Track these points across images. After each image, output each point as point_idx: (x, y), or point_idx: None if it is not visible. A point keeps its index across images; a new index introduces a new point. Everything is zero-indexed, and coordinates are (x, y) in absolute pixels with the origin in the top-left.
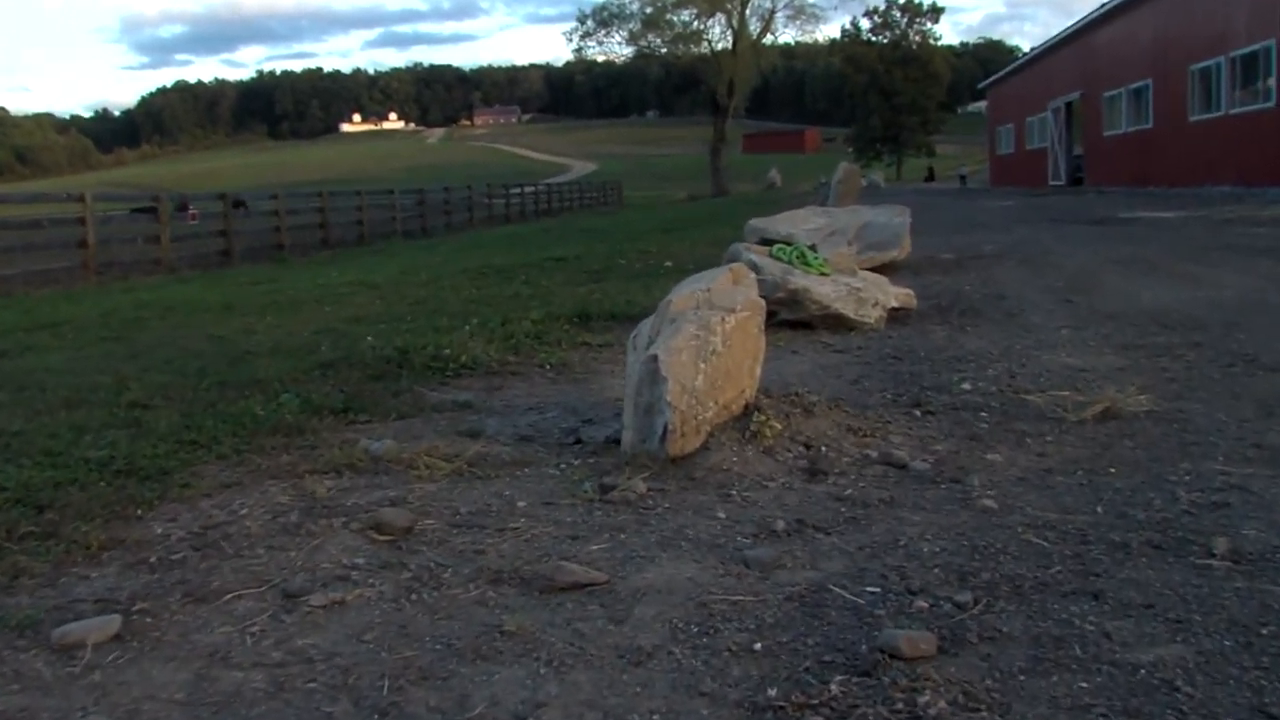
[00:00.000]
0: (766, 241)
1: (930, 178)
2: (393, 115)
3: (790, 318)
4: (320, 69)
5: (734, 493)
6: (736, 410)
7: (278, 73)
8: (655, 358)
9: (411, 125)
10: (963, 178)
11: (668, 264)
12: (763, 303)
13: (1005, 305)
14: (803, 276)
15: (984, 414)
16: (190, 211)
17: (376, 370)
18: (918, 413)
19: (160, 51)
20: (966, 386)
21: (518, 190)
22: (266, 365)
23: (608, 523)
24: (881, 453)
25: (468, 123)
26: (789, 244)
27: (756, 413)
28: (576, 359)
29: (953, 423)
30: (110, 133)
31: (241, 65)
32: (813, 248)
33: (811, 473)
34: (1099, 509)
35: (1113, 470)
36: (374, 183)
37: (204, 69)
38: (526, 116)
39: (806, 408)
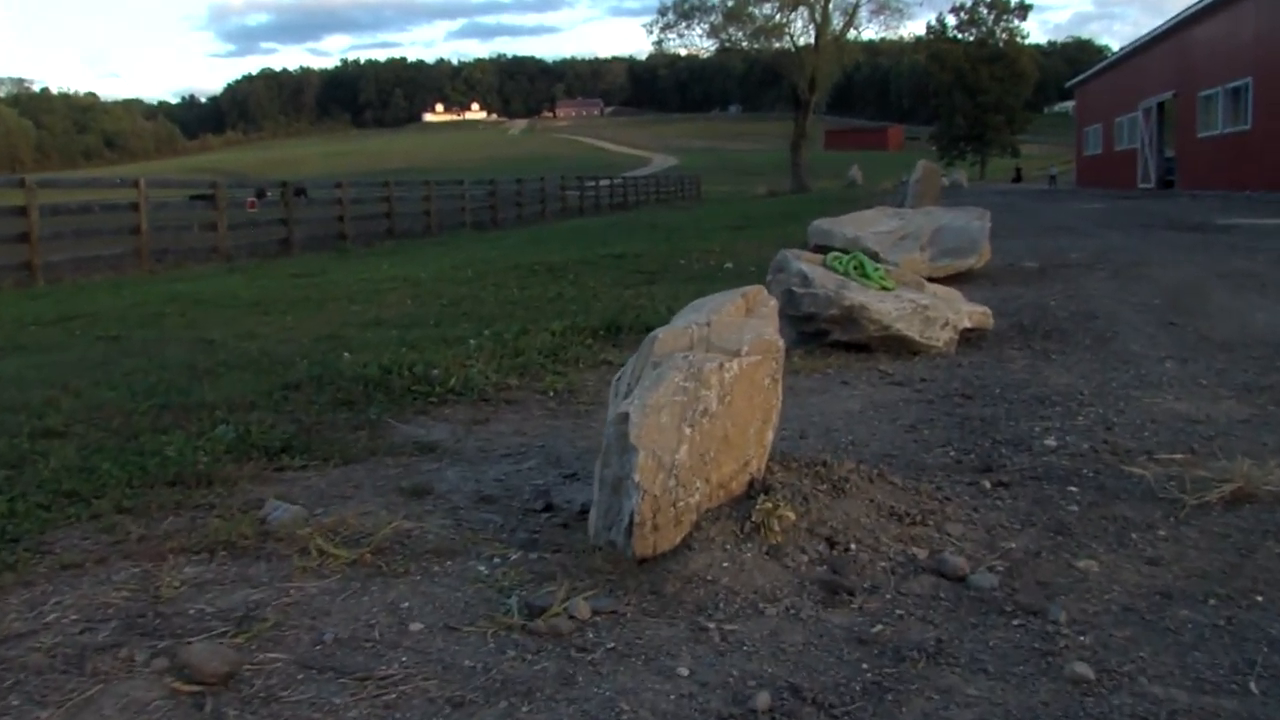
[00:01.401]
0: (825, 248)
1: (1018, 178)
2: (475, 106)
3: (844, 339)
4: (404, 59)
5: (712, 624)
6: (737, 490)
7: (362, 62)
8: (625, 417)
9: (494, 116)
10: (1053, 178)
11: (728, 265)
12: (779, 343)
13: (1096, 327)
14: (860, 291)
15: (1073, 488)
16: (249, 200)
17: (347, 394)
18: (987, 483)
19: (246, 40)
20: (1051, 442)
21: (592, 183)
22: (229, 383)
23: (516, 676)
24: (932, 554)
25: (550, 114)
26: (845, 252)
27: (764, 495)
28: (590, 383)
29: (1032, 501)
30: (196, 119)
31: (326, 54)
32: (875, 256)
33: (831, 589)
34: (1253, 685)
35: (1260, 598)
36: (454, 173)
37: (289, 57)
38: (609, 109)
39: (836, 483)
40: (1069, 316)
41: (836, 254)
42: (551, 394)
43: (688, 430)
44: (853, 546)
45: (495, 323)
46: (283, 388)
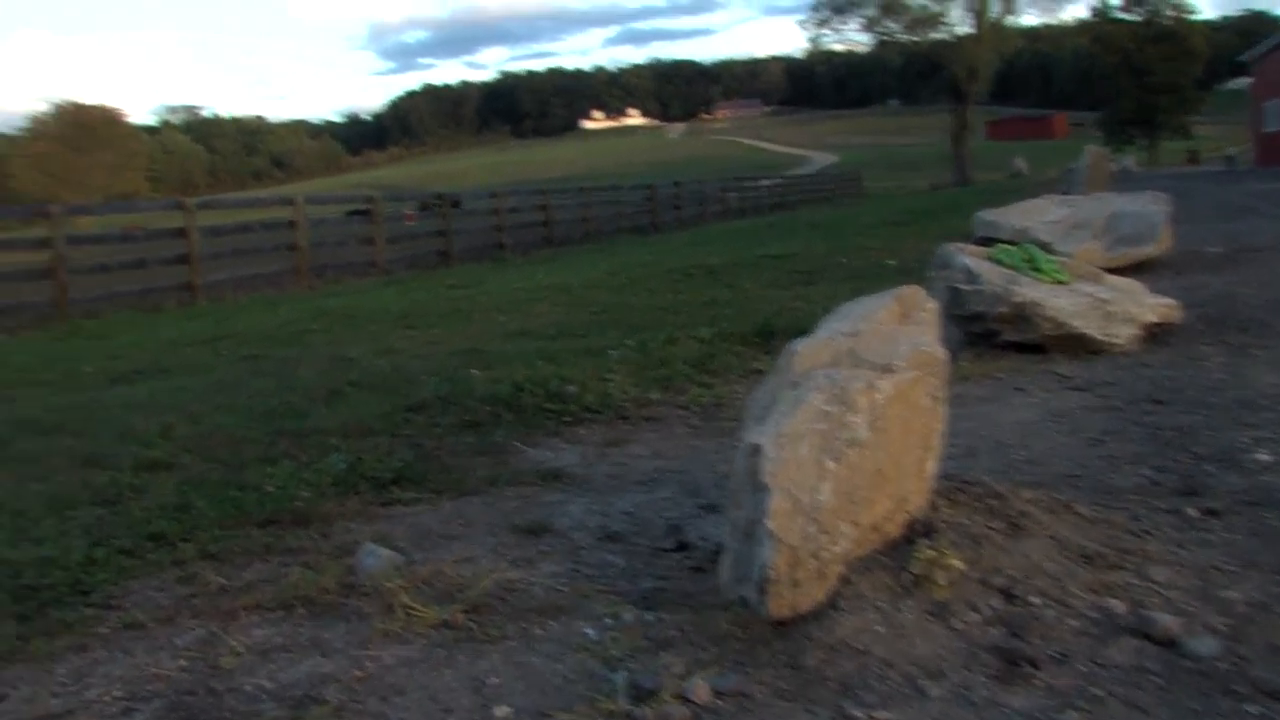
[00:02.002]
0: (991, 240)
1: (1193, 160)
2: (633, 111)
3: (1016, 339)
4: (561, 68)
5: (861, 712)
6: (893, 533)
7: (519, 73)
8: (757, 449)
9: (652, 121)
10: (1230, 158)
11: (891, 262)
12: (940, 355)
13: None
14: (1032, 285)
15: None
16: (407, 213)
17: (474, 416)
18: (1192, 510)
19: (405, 56)
20: (1265, 457)
21: (751, 183)
22: (353, 404)
23: None
24: (1134, 608)
25: (708, 116)
26: (1013, 244)
27: (926, 538)
28: (739, 395)
29: (1250, 533)
30: (359, 136)
31: (483, 67)
32: (1046, 247)
33: (1009, 659)
34: None
35: None
36: (615, 179)
37: (448, 72)
38: (767, 109)
39: (1013, 519)
40: (1265, 306)
41: (1004, 246)
42: (696, 409)
43: (831, 464)
44: (1035, 600)
45: (643, 331)
46: (406, 409)
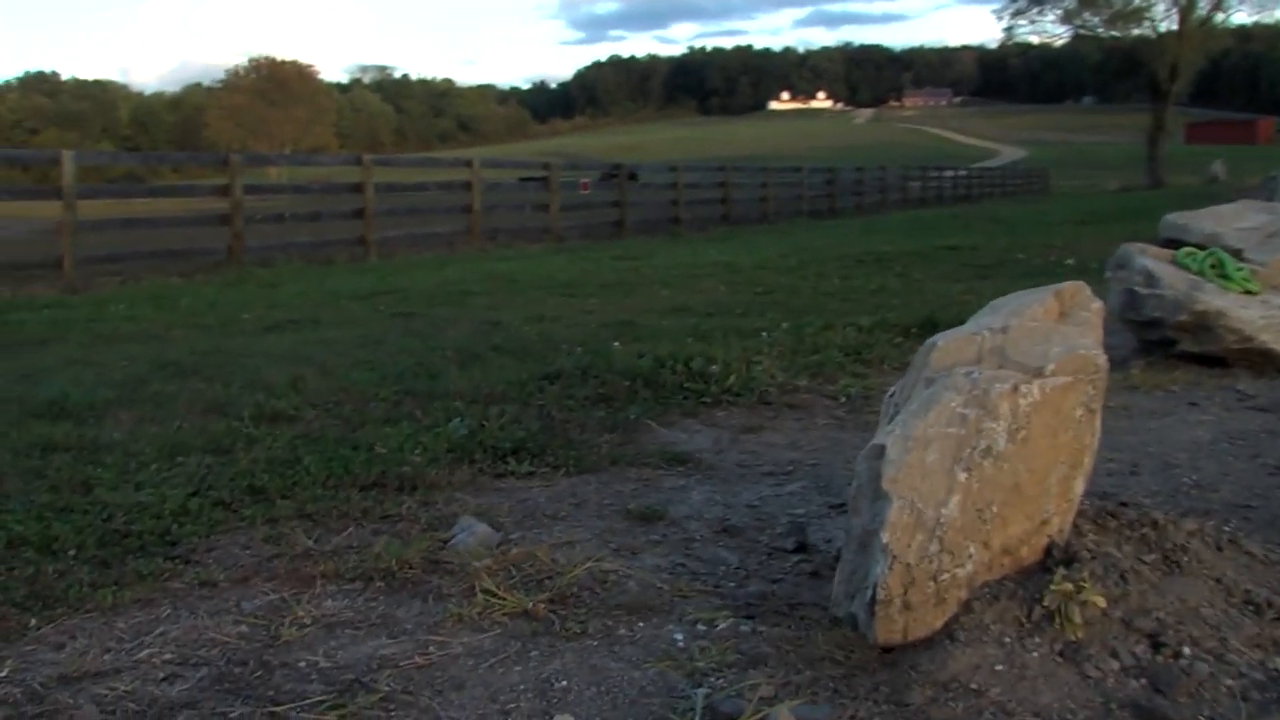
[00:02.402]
0: (1177, 242)
1: None
2: (821, 94)
3: (1194, 350)
4: (750, 46)
5: None
6: (1028, 558)
7: (708, 49)
8: (880, 451)
9: (840, 105)
10: None
11: (1069, 261)
12: (1099, 361)
13: None
14: (1218, 294)
15: None
16: (582, 182)
17: (610, 389)
18: None
19: (596, 27)
20: None
21: (935, 173)
22: (491, 369)
23: None
24: None
25: (897, 103)
26: (1201, 248)
27: (1065, 568)
28: (891, 388)
29: None
30: (546, 104)
31: (673, 41)
32: (1237, 254)
33: (1150, 719)
34: None
35: None
36: (798, 161)
37: (637, 44)
38: (957, 99)
39: (1169, 553)
40: None
41: (1190, 250)
42: (843, 399)
43: (962, 475)
44: (1186, 651)
45: (804, 315)
46: (542, 378)
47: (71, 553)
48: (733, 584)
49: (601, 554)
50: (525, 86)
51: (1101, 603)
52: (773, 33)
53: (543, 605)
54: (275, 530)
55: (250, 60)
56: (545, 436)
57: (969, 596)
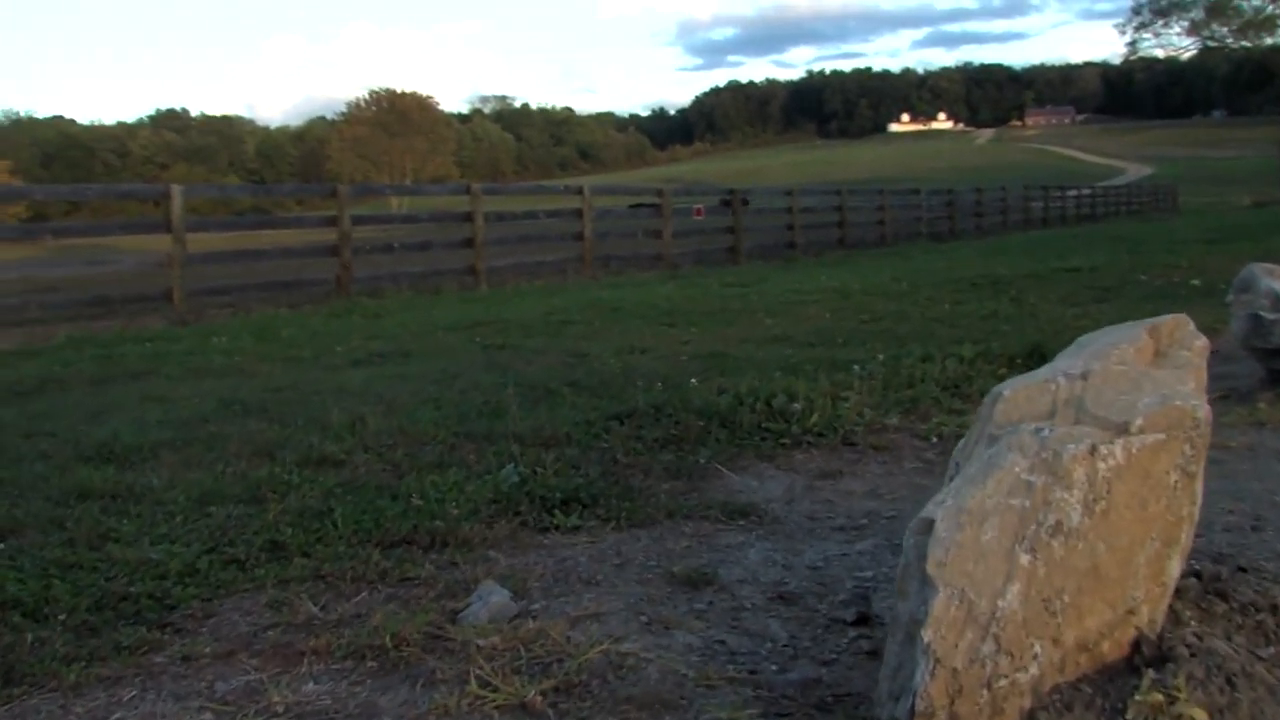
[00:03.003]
0: None
1: None
2: (941, 115)
3: None
4: (869, 68)
5: None
6: (1110, 655)
7: (827, 72)
8: (929, 525)
9: (960, 125)
10: None
11: (1195, 282)
12: (1202, 414)
13: None
14: None
15: None
16: (696, 208)
17: (682, 430)
18: None
19: (713, 54)
20: None
21: (1058, 193)
22: (558, 409)
23: None
24: None
25: (1018, 123)
26: None
27: (1155, 669)
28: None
29: None
30: (665, 130)
31: (791, 65)
32: None
33: None
34: None
35: None
36: (918, 183)
37: (755, 69)
38: (1080, 117)
39: None
40: None
41: None
42: (935, 439)
43: (1025, 558)
44: None
45: (908, 343)
46: (613, 417)
47: (62, 618)
48: (774, 667)
49: (628, 630)
50: (644, 114)
51: (1202, 717)
52: (891, 54)
53: (541, 697)
54: (283, 594)
55: (370, 93)
56: (603, 484)
57: (1033, 705)
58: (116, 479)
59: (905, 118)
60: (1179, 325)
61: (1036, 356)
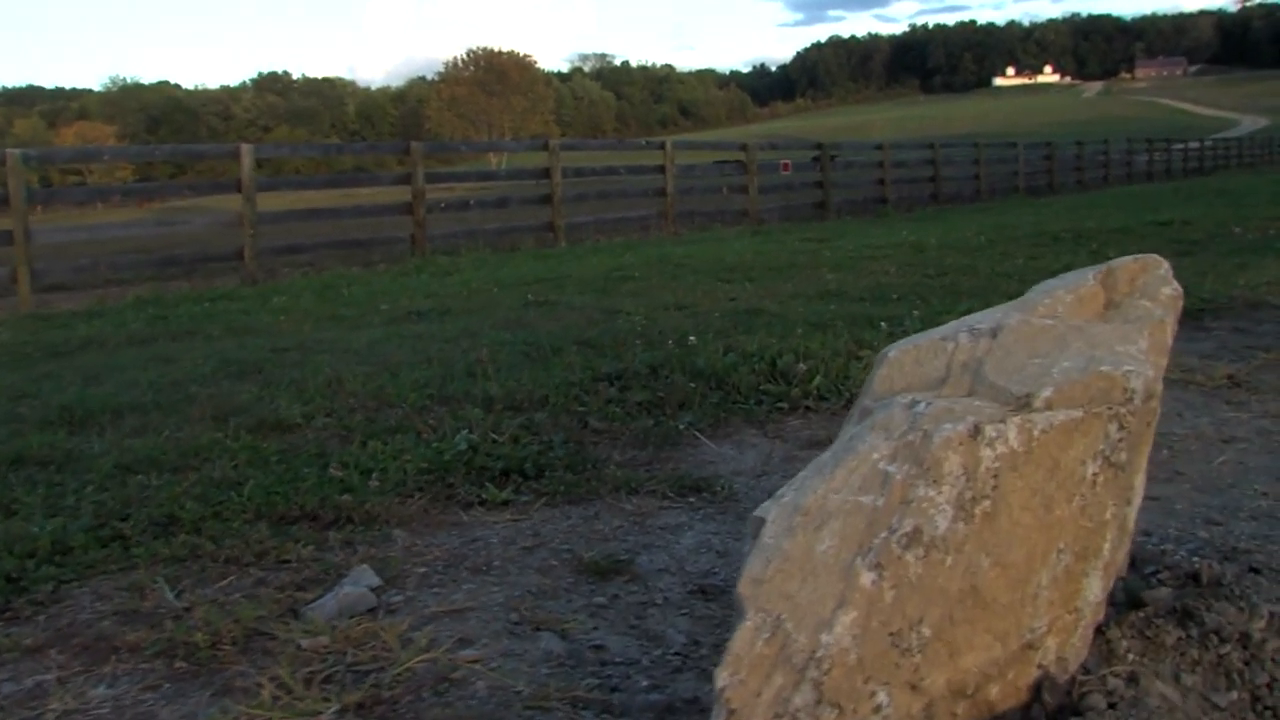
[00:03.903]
0: None
1: None
2: (1048, 68)
3: None
4: (973, 21)
5: None
6: (1001, 702)
7: (930, 26)
8: (760, 526)
9: (1067, 79)
10: None
11: None
12: (1141, 384)
13: None
14: None
15: None
16: (783, 163)
17: (673, 391)
18: None
19: (815, 8)
20: None
21: (1163, 146)
22: (553, 369)
23: None
24: None
25: (1128, 75)
26: None
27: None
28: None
29: None
30: (766, 87)
31: (893, 20)
32: None
33: None
34: None
35: None
36: (1023, 137)
37: (857, 24)
38: (1193, 68)
39: (1258, 692)
40: None
41: None
42: None
43: (867, 577)
44: None
45: (969, 298)
46: (600, 378)
47: None
48: (646, 683)
49: (484, 632)
50: (745, 70)
51: None
52: (996, 7)
53: (337, 715)
54: (146, 577)
55: (468, 52)
56: (560, 453)
57: None
58: (58, 445)
59: (1010, 71)
60: (1145, 269)
61: None
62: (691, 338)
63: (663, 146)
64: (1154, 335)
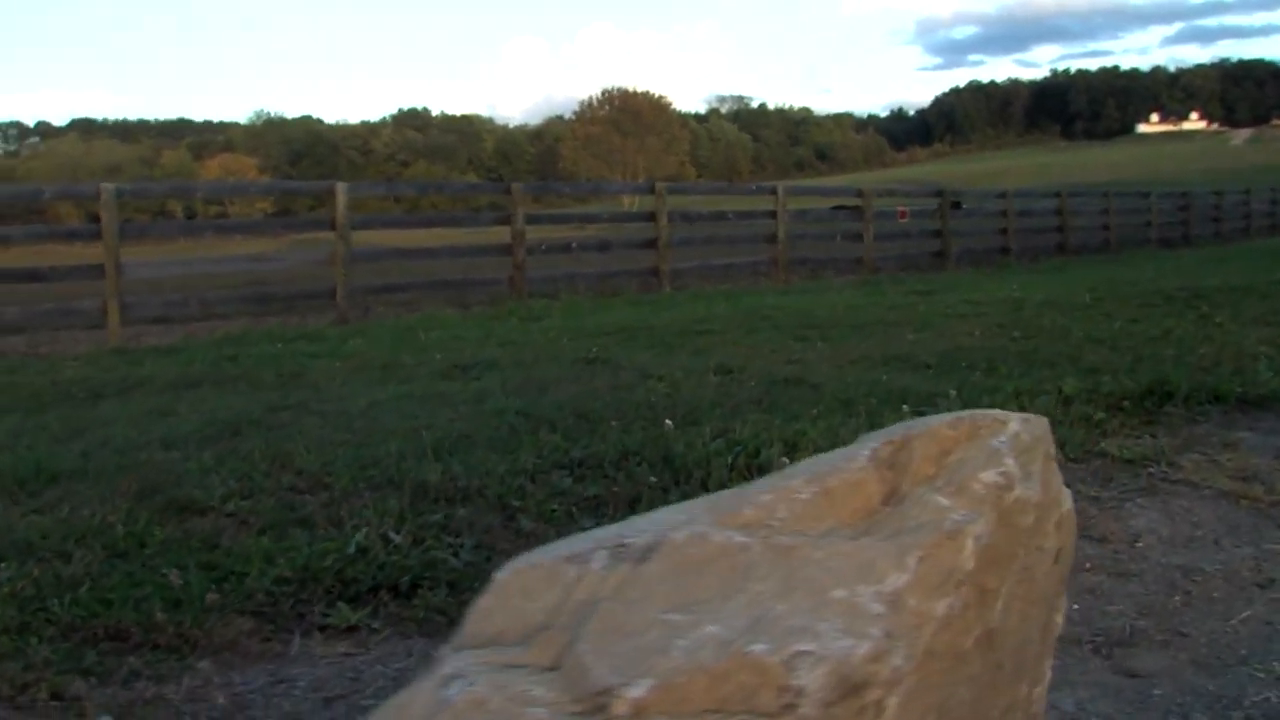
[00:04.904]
0: None
1: None
2: (1194, 115)
3: None
4: (1117, 67)
5: None
6: None
7: (1072, 71)
8: None
9: (1214, 125)
10: None
11: None
12: (819, 675)
13: None
14: None
15: None
16: (899, 210)
17: (629, 483)
18: None
19: (953, 52)
20: None
21: None
22: (529, 447)
23: None
24: None
25: (1279, 123)
26: None
27: None
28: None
29: None
30: (904, 131)
31: (1034, 65)
32: None
33: None
34: None
35: None
36: (1167, 186)
37: (996, 69)
38: None
39: None
40: None
41: None
42: None
43: None
44: None
45: (1042, 367)
46: (560, 464)
47: None
48: None
49: None
50: (883, 114)
51: None
52: (1141, 52)
53: None
54: None
55: (603, 92)
56: (457, 562)
57: None
58: None
59: (1155, 118)
60: (971, 435)
61: (1161, 396)
62: (669, 422)
63: (774, 191)
64: (936, 559)
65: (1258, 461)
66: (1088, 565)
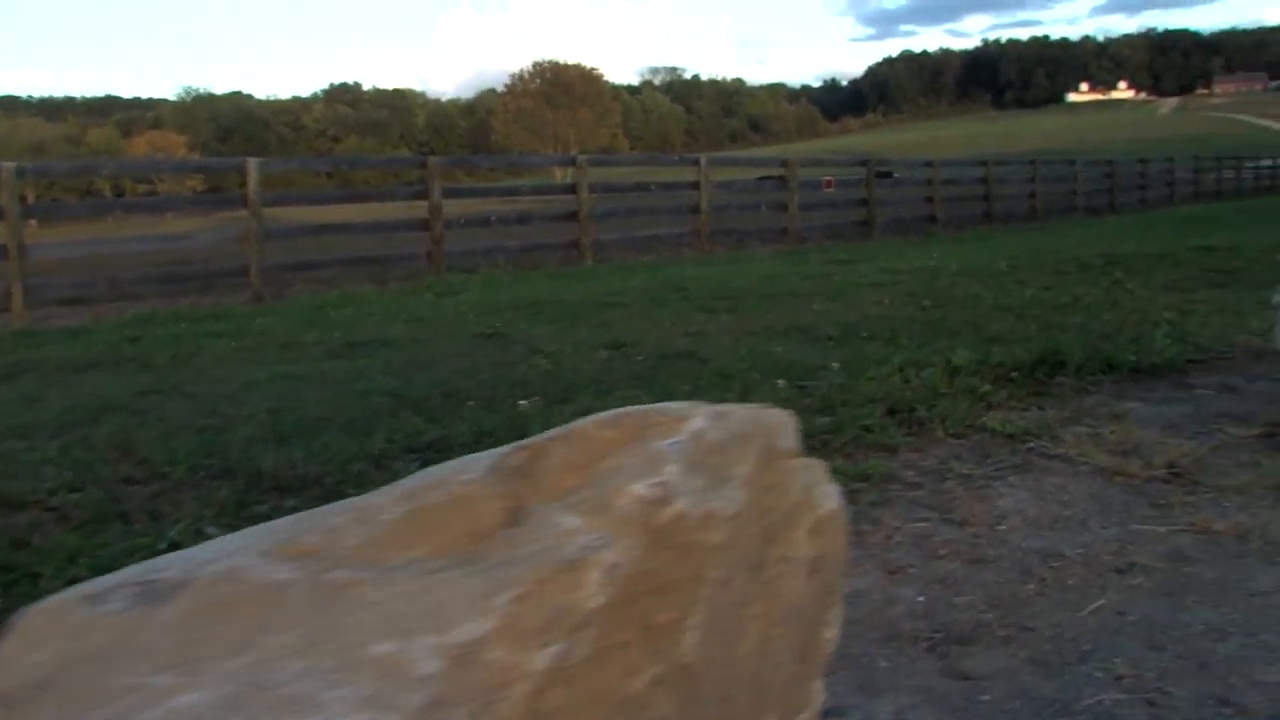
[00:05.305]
0: None
1: None
2: (1122, 84)
3: None
4: (1046, 36)
5: None
6: None
7: (1003, 41)
8: None
9: (1142, 95)
10: None
11: None
12: None
13: None
14: None
15: None
16: (826, 180)
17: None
18: None
19: (886, 23)
20: None
21: (1233, 163)
22: (389, 431)
23: None
24: None
25: (1205, 91)
26: None
27: None
28: (930, 471)
29: None
30: (837, 102)
31: (965, 35)
32: None
33: None
34: None
35: None
36: (1096, 154)
37: (928, 39)
38: (1274, 83)
39: None
40: None
41: None
42: (859, 483)
43: None
44: None
45: (932, 340)
46: (411, 449)
47: None
48: None
49: None
50: (816, 85)
51: None
52: (1070, 22)
53: None
54: None
55: (534, 64)
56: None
57: None
58: None
59: (1084, 87)
60: (626, 438)
61: (1051, 365)
62: (522, 402)
63: (697, 162)
64: (540, 598)
65: (1141, 434)
66: (943, 552)
